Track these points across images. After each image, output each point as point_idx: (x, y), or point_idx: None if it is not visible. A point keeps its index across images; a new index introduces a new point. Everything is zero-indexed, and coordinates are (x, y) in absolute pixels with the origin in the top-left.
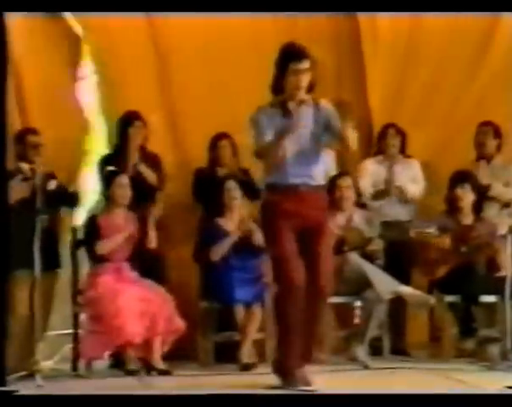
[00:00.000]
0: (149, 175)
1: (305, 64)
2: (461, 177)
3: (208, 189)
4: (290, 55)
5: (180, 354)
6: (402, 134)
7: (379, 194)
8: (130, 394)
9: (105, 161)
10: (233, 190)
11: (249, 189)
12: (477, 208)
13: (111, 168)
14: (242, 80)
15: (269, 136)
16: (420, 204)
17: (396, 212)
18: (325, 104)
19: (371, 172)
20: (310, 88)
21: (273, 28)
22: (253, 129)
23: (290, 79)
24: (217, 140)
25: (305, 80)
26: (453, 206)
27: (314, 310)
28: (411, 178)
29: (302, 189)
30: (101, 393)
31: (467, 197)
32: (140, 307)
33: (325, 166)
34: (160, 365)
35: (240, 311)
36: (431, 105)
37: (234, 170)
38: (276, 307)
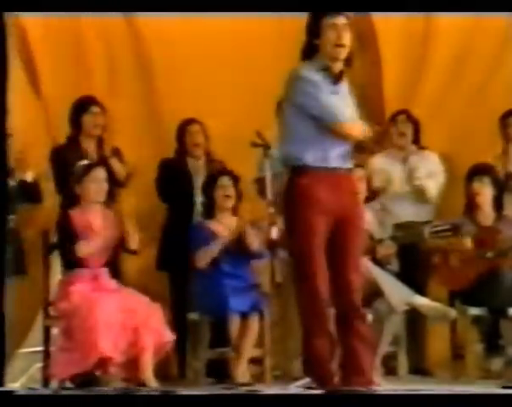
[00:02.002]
0: (120, 170)
1: (343, 19)
2: (479, 170)
3: (176, 184)
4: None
5: (164, 372)
6: (414, 122)
7: (388, 191)
8: (132, 394)
9: (57, 154)
10: (227, 188)
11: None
12: (498, 205)
13: (85, 161)
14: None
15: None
16: (439, 202)
17: (410, 213)
18: None
19: (381, 167)
20: (348, 61)
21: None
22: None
23: (328, 36)
24: (186, 125)
25: (346, 40)
26: (471, 203)
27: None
28: (428, 173)
29: (340, 172)
30: (102, 393)
31: (486, 191)
32: (121, 319)
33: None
34: (153, 383)
35: (235, 323)
36: (452, 93)
37: (208, 161)
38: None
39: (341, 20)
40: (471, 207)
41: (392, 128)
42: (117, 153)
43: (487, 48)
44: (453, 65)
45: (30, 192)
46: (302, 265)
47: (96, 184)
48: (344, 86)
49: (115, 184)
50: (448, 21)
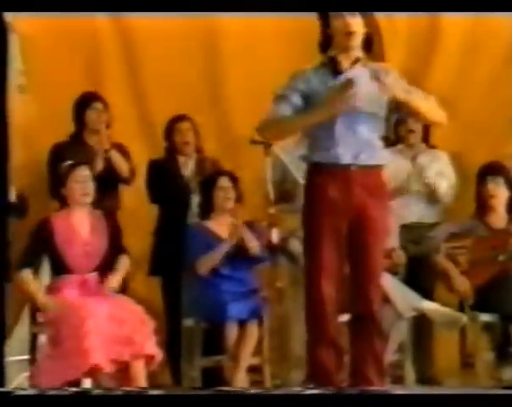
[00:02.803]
0: (122, 164)
1: None
2: (493, 170)
3: (167, 185)
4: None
5: (158, 381)
6: None
7: (396, 191)
8: (133, 394)
9: (57, 153)
10: (227, 189)
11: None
12: (511, 207)
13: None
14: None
15: (284, 110)
16: (449, 205)
17: (418, 214)
18: (387, 68)
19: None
20: (367, 46)
21: None
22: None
23: (336, 25)
24: (175, 122)
25: (356, 27)
26: (483, 205)
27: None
28: (438, 172)
29: (354, 170)
30: (103, 393)
31: (500, 193)
32: (111, 328)
33: (378, 141)
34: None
35: (233, 330)
36: (462, 91)
37: (199, 159)
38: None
39: None
40: (483, 208)
41: (401, 125)
42: (119, 147)
43: (497, 46)
44: (462, 63)
45: (15, 207)
46: (309, 267)
47: (80, 184)
48: (355, 74)
49: (119, 180)
50: (455, 20)
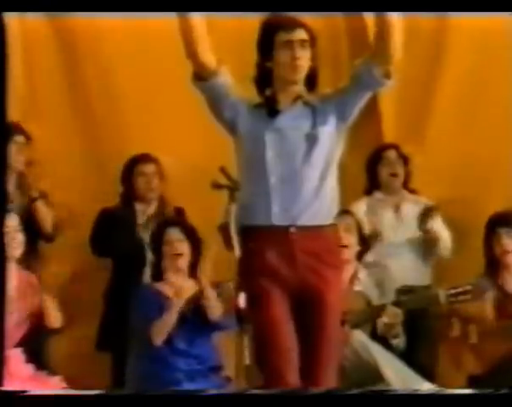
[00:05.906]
0: (45, 217)
1: (301, 34)
2: (505, 220)
3: (120, 239)
4: (277, 24)
5: None
6: (404, 159)
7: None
8: (134, 394)
9: None
10: (176, 243)
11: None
12: None
13: None
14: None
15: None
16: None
17: (413, 269)
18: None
19: (369, 211)
20: (310, 82)
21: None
22: None
23: (280, 56)
24: (136, 164)
25: (303, 57)
26: (494, 262)
27: None
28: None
29: (293, 232)
30: (103, 393)
31: None
32: None
33: (330, 194)
34: None
35: None
36: (465, 119)
37: (160, 207)
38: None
39: (297, 36)
40: (495, 267)
41: (382, 167)
42: (43, 195)
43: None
44: (466, 84)
45: None
46: (263, 345)
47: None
48: (294, 115)
49: (39, 237)
50: (460, 23)
